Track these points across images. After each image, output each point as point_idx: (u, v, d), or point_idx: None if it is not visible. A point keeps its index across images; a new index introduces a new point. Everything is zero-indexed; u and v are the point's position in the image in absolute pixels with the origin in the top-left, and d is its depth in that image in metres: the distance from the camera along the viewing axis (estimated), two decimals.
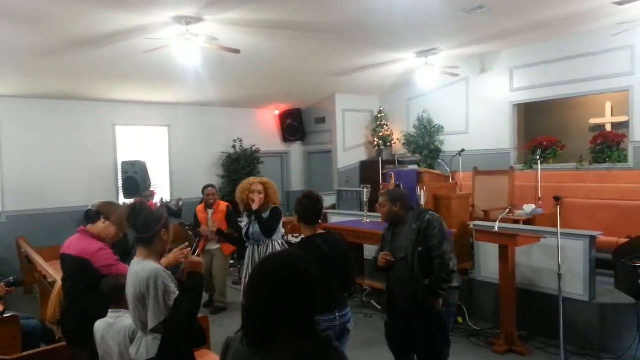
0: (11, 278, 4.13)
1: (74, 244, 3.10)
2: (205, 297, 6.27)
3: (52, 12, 4.97)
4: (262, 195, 4.54)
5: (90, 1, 4.77)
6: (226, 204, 6.64)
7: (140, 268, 2.36)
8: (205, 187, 6.68)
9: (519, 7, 5.85)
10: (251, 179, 4.84)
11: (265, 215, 4.54)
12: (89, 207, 8.24)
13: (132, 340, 2.55)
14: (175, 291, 2.34)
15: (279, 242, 4.62)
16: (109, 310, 2.79)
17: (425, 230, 3.33)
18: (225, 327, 5.34)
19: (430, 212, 3.49)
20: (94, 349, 2.80)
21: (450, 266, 3.30)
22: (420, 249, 3.32)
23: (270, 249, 4.45)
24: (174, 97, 9.41)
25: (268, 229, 4.49)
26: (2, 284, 4.06)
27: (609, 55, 7.11)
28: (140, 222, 2.40)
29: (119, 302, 2.71)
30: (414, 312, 3.36)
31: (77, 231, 3.20)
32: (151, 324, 2.30)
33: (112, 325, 2.74)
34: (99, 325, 2.78)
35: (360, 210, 7.30)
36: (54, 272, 5.43)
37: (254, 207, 4.47)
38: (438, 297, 3.32)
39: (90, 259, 2.97)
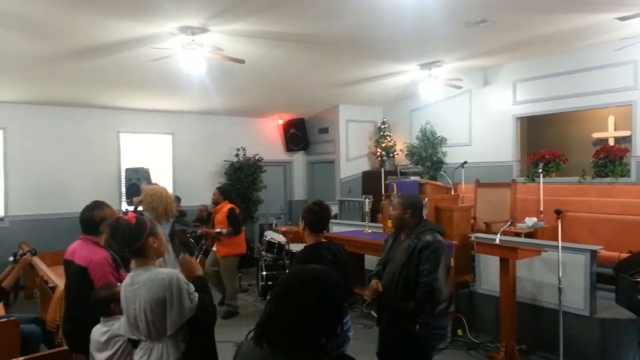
0: None
1: (78, 250, 3.10)
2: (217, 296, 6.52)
3: (60, 20, 5.03)
4: None
5: (98, 11, 4.84)
6: (229, 206, 6.71)
7: (153, 274, 2.35)
8: None
9: (521, 22, 5.88)
10: None
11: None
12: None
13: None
14: (193, 291, 2.39)
15: None
16: (101, 319, 2.82)
17: (420, 253, 3.21)
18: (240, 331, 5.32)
19: (433, 232, 3.31)
20: None
21: (436, 296, 3.15)
22: (409, 269, 3.22)
23: None
24: (178, 105, 9.49)
25: None
26: None
27: (611, 70, 7.12)
28: (119, 238, 2.40)
29: (108, 311, 2.79)
30: (395, 329, 3.31)
31: (79, 238, 3.19)
32: (173, 327, 2.30)
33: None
34: (96, 332, 2.81)
35: (362, 221, 7.31)
36: (55, 277, 5.47)
37: None
38: (415, 324, 3.16)
39: (88, 267, 2.97)
